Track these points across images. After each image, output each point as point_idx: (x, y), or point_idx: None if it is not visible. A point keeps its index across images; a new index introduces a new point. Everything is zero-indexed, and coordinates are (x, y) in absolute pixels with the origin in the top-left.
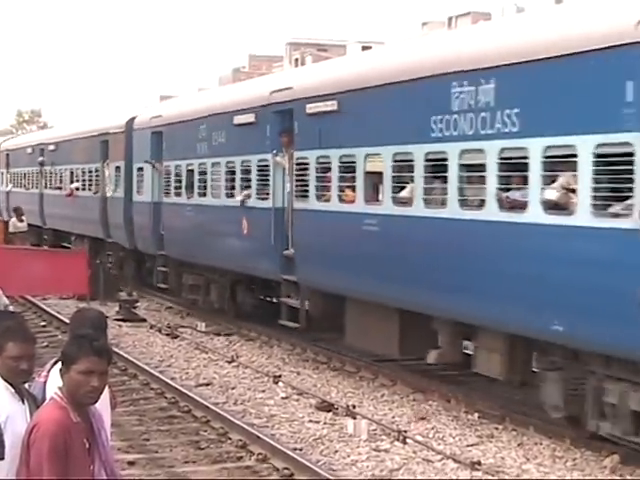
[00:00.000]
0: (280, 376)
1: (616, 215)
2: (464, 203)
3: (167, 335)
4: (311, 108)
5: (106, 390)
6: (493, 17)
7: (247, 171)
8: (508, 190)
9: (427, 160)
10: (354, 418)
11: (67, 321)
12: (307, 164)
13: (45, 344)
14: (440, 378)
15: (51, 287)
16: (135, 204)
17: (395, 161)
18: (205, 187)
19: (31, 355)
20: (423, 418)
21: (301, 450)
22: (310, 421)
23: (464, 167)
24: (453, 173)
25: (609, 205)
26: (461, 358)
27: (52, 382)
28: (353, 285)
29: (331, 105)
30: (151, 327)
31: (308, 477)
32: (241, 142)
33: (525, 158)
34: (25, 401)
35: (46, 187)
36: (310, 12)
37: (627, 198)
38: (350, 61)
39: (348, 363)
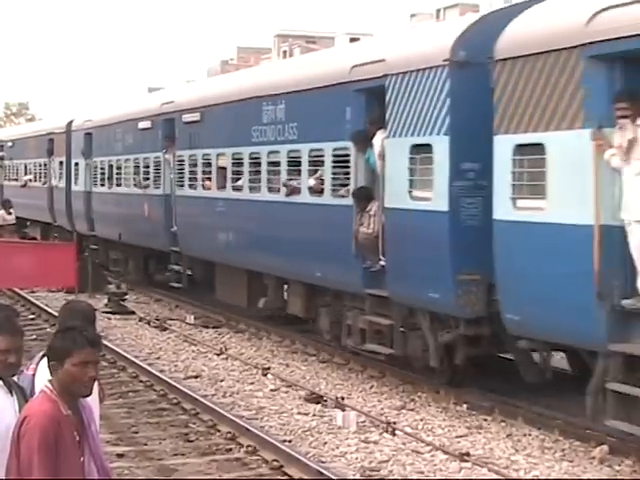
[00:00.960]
0: (269, 368)
1: (342, 196)
2: (270, 189)
3: (156, 327)
4: (185, 118)
5: (95, 383)
6: (481, 9)
7: (147, 166)
8: (291, 180)
9: (251, 158)
10: (343, 410)
11: (55, 314)
12: (183, 160)
13: (33, 337)
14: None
15: (39, 280)
16: (73, 193)
17: (234, 159)
18: (120, 178)
19: (19, 348)
20: (403, 407)
21: (290, 442)
22: (299, 413)
23: (270, 163)
24: (264, 168)
25: (339, 189)
26: (282, 304)
27: (41, 375)
28: (216, 253)
29: (196, 116)
30: (140, 320)
31: (297, 469)
32: (143, 143)
33: (300, 157)
34: (14, 393)
35: (6, 179)
36: (298, 4)
37: (347, 185)
38: (209, 83)
39: (337, 355)
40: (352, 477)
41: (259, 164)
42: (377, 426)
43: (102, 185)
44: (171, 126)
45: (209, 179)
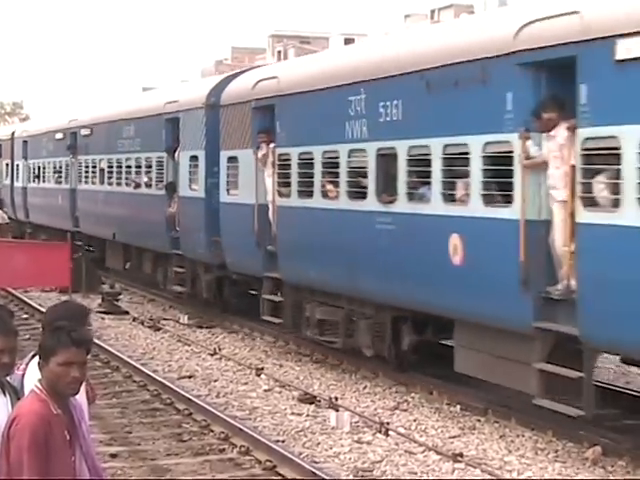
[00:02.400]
0: (262, 368)
1: (160, 189)
2: (127, 184)
3: (150, 328)
4: (83, 132)
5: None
6: (475, 9)
7: (61, 167)
8: (136, 178)
9: (117, 162)
10: (336, 410)
11: None
12: (81, 163)
13: (27, 337)
14: (422, 371)
15: (33, 280)
16: (15, 188)
17: (108, 162)
18: (45, 177)
19: (13, 348)
20: (396, 407)
21: (283, 442)
22: (292, 413)
23: (126, 166)
24: (123, 169)
25: (159, 184)
26: (140, 266)
27: (30, 375)
28: (102, 231)
29: (88, 131)
30: (134, 320)
31: (290, 469)
32: (58, 150)
33: (141, 162)
34: (7, 393)
35: None
36: (293, 4)
37: (162, 181)
38: (98, 106)
39: (331, 356)
40: (345, 477)
41: (121, 166)
42: (370, 426)
43: (34, 182)
44: (75, 137)
45: (95, 177)
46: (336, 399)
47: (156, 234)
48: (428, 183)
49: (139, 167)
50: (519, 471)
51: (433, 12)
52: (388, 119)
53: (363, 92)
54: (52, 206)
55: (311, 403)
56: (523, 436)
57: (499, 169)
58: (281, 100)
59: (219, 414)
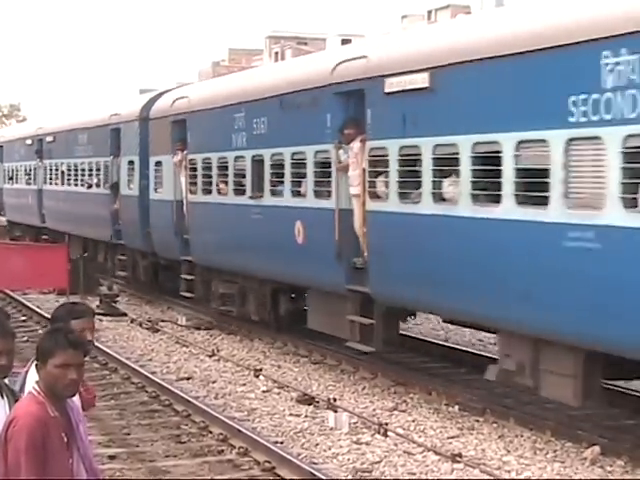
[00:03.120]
0: (261, 370)
1: (107, 188)
2: (82, 185)
3: (148, 329)
4: (47, 139)
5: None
6: (472, 10)
7: (31, 170)
8: (89, 179)
9: (74, 166)
10: (335, 411)
11: (47, 316)
12: (46, 167)
13: (25, 339)
14: (421, 370)
15: (31, 282)
16: None
17: (67, 166)
18: (17, 178)
19: (10, 350)
20: (395, 408)
21: (282, 443)
22: (291, 414)
23: (81, 169)
24: (78, 172)
25: (106, 184)
26: (95, 256)
27: (32, 373)
28: (65, 226)
29: (52, 138)
30: (132, 321)
31: (289, 470)
32: (28, 154)
33: (92, 166)
34: (4, 395)
35: None
36: (290, 5)
37: (107, 182)
38: (59, 117)
39: (329, 356)
40: (344, 478)
41: (77, 169)
42: (369, 427)
43: (8, 183)
44: (41, 143)
45: (58, 178)
46: (335, 400)
47: (104, 227)
48: (283, 182)
49: (91, 170)
50: (518, 471)
51: (430, 13)
52: (258, 132)
53: (243, 111)
54: (23, 205)
55: (309, 404)
56: (522, 436)
57: (323, 171)
58: (190, 116)
59: (218, 415)
